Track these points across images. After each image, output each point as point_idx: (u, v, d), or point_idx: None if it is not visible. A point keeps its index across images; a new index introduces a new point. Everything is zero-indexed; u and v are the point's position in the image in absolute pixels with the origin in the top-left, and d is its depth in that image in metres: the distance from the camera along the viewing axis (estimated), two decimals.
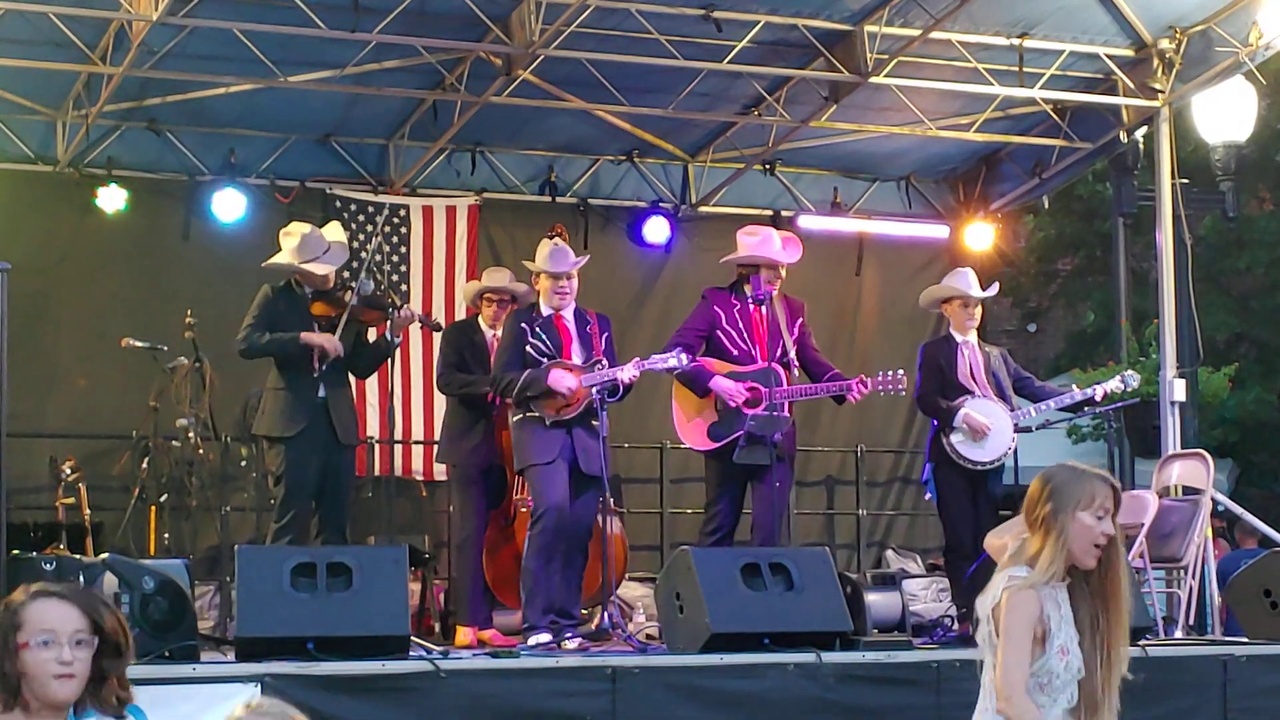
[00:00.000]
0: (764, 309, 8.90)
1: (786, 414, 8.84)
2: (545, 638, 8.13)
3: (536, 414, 8.45)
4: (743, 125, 12.07)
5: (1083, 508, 4.30)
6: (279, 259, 8.78)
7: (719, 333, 8.89)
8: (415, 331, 11.05)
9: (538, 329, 8.58)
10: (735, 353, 8.86)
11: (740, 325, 8.90)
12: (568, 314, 8.67)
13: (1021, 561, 4.36)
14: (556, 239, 8.72)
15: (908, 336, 13.07)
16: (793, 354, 8.84)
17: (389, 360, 8.91)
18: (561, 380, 8.38)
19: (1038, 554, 4.32)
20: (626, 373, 8.43)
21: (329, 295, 8.73)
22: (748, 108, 11.79)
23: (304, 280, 8.72)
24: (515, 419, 8.56)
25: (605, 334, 8.73)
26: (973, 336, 9.48)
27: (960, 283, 9.50)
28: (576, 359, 8.57)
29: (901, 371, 8.94)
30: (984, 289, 9.50)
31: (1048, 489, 4.36)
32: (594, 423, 8.42)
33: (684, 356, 8.54)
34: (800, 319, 9.05)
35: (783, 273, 8.98)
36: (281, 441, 8.51)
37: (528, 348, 8.55)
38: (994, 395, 9.31)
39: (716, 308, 8.94)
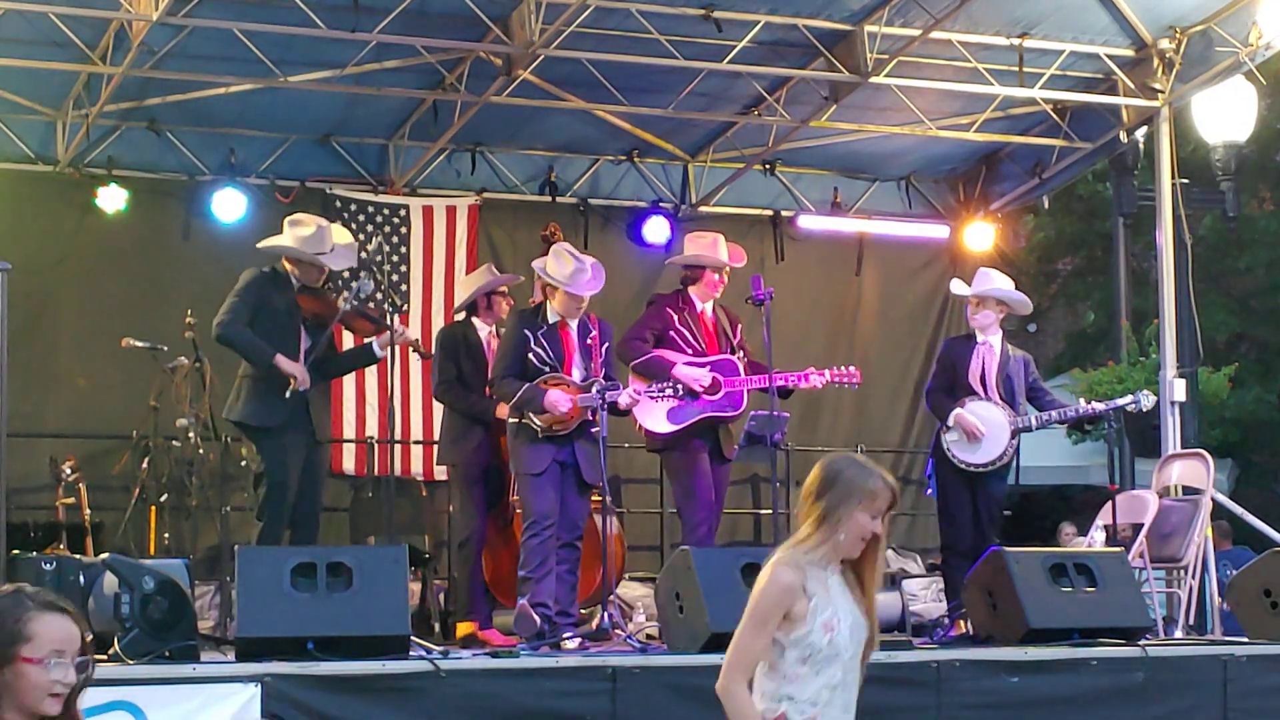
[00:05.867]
0: (710, 313, 9.12)
1: (785, 414, 8.90)
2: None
3: (530, 424, 8.48)
4: (743, 125, 12.07)
5: (863, 507, 4.36)
6: (281, 242, 8.65)
7: (672, 333, 9.07)
8: (415, 332, 11.02)
9: (541, 336, 8.58)
10: (688, 351, 9.04)
11: (691, 325, 9.09)
12: (572, 322, 8.67)
13: (791, 545, 4.47)
14: (586, 255, 8.70)
15: (908, 336, 13.10)
16: (739, 351, 9.05)
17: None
18: (557, 406, 8.41)
19: (808, 537, 4.41)
20: (624, 399, 8.55)
21: (318, 292, 8.66)
22: (748, 108, 11.79)
23: (301, 273, 8.61)
24: (511, 423, 8.60)
25: (606, 344, 8.76)
26: (995, 338, 9.43)
27: (978, 283, 9.46)
28: (576, 372, 8.59)
29: (854, 367, 9.16)
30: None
31: (832, 480, 4.43)
32: (593, 429, 8.44)
33: (679, 386, 8.66)
34: (739, 326, 9.24)
35: (726, 276, 9.16)
36: (258, 433, 8.47)
37: (530, 355, 8.55)
38: (1000, 399, 9.26)
39: (669, 309, 9.13)
